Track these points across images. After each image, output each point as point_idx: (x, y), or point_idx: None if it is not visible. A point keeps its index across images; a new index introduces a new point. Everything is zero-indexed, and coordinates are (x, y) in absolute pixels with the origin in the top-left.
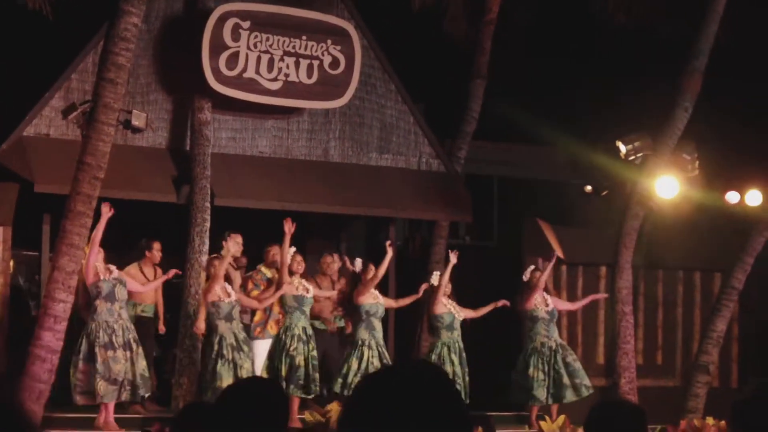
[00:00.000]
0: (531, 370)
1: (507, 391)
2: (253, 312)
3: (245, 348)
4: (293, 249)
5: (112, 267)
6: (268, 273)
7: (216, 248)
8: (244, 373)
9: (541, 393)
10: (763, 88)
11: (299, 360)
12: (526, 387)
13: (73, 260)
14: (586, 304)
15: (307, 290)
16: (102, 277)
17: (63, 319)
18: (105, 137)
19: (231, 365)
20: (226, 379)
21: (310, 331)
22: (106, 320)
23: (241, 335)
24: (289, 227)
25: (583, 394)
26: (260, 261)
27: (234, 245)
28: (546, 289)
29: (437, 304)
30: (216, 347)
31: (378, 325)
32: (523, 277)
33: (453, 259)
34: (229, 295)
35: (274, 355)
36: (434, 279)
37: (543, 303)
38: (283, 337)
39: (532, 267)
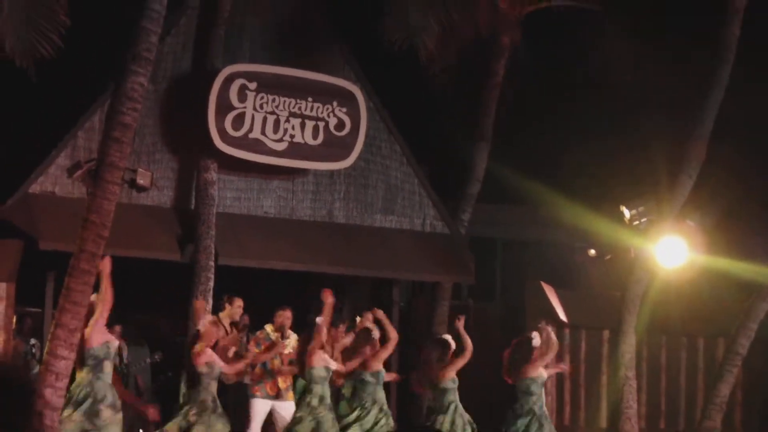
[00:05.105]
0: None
1: None
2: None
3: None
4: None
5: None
6: (273, 335)
7: (218, 307)
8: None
9: None
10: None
11: (320, 421)
12: None
13: (76, 318)
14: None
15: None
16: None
17: (65, 376)
18: (110, 196)
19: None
20: None
21: (327, 401)
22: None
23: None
24: (327, 297)
25: None
26: (263, 322)
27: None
28: None
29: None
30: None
31: (379, 388)
32: (534, 342)
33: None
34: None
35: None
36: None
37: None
38: (302, 402)
39: (536, 335)
